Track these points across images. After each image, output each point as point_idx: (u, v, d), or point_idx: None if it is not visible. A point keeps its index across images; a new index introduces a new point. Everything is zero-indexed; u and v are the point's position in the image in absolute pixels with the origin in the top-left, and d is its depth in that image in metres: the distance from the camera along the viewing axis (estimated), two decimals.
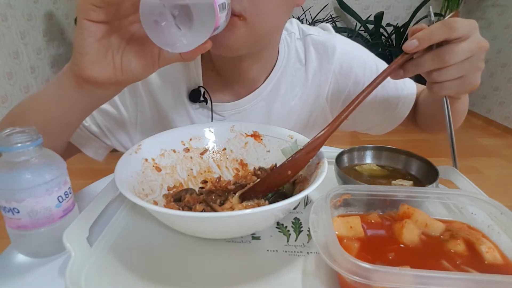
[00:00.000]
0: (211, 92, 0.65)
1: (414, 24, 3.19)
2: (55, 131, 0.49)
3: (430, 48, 0.47)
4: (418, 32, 0.47)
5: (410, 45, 0.47)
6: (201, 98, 0.64)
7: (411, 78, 0.60)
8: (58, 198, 0.41)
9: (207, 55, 0.64)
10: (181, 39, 0.37)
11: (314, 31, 0.69)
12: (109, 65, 0.40)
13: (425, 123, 0.72)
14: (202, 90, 0.64)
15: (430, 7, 0.57)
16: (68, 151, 0.61)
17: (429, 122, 0.71)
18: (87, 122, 0.62)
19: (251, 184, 0.50)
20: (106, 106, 0.63)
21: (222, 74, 0.64)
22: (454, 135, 0.54)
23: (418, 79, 0.64)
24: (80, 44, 0.38)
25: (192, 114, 0.66)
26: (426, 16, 3.19)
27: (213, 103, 0.65)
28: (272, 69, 0.66)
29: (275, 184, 0.48)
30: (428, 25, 0.48)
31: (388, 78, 0.50)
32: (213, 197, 0.49)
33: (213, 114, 0.66)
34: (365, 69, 0.67)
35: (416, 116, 0.73)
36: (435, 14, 3.19)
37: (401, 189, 0.44)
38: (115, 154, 0.60)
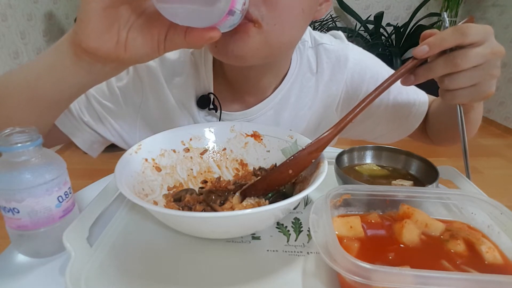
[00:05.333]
0: (220, 100, 0.63)
1: (414, 24, 3.19)
2: (42, 107, 0.45)
3: (443, 53, 0.46)
4: (429, 37, 0.46)
5: (420, 50, 0.45)
6: (211, 106, 0.63)
7: (422, 87, 0.58)
8: (58, 198, 0.41)
9: (218, 63, 0.63)
10: (193, 12, 0.34)
11: (326, 39, 0.67)
12: (113, 39, 0.37)
13: (436, 135, 0.71)
14: (212, 97, 0.63)
15: (444, 12, 0.56)
16: (55, 138, 0.58)
17: (440, 134, 0.70)
18: (86, 117, 0.61)
19: (252, 181, 0.49)
20: (106, 102, 0.61)
21: (233, 82, 0.63)
22: (467, 145, 0.52)
23: (429, 90, 0.63)
24: (84, 9, 0.34)
25: (198, 121, 0.65)
26: (426, 16, 3.19)
27: (222, 111, 0.64)
28: (283, 78, 0.65)
29: (276, 182, 0.47)
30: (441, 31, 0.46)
31: (401, 88, 0.48)
32: (213, 197, 0.49)
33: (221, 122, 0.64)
34: (377, 80, 0.65)
35: (427, 127, 0.72)
36: (435, 14, 3.19)
37: (401, 189, 0.44)
38: (115, 154, 0.59)
